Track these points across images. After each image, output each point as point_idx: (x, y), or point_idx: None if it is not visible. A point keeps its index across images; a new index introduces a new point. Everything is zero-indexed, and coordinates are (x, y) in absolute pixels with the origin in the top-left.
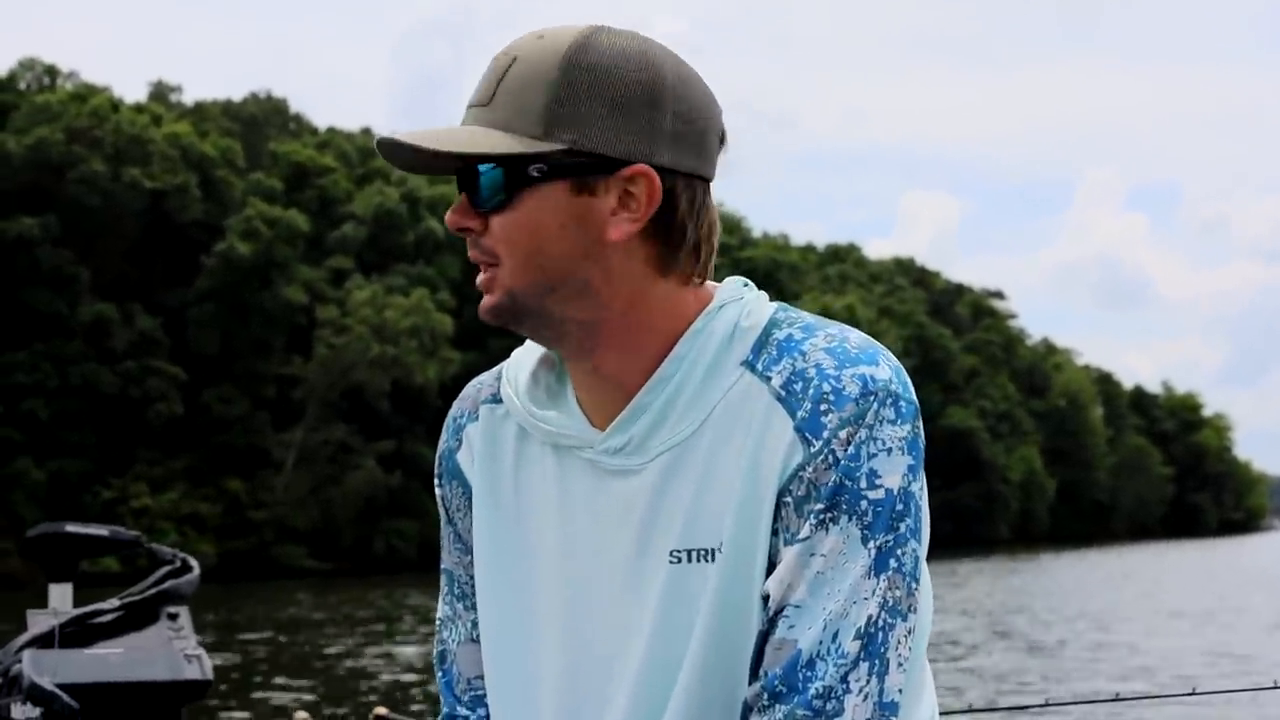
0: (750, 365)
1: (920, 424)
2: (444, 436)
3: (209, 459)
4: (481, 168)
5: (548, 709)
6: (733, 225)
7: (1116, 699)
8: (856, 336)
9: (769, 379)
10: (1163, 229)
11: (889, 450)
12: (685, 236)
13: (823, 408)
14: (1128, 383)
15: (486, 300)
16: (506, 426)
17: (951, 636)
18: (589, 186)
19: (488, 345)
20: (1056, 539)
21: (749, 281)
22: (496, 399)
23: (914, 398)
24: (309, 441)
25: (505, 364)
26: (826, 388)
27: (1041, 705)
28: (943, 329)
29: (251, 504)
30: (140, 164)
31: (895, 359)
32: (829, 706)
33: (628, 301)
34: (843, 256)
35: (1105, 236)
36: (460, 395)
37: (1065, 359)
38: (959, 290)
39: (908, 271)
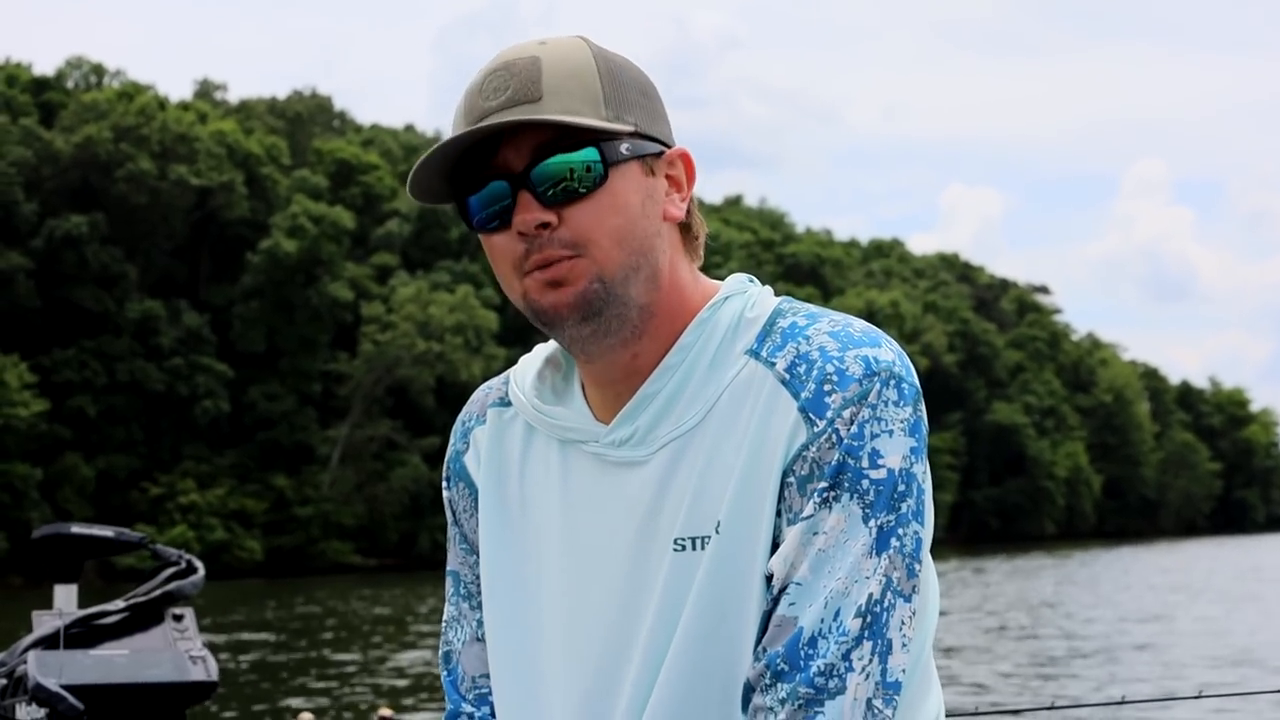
0: (755, 353)
1: (923, 408)
2: (452, 440)
3: (255, 456)
4: (573, 156)
5: (556, 701)
6: (776, 221)
7: (1122, 702)
8: (860, 323)
9: (773, 364)
10: (1209, 222)
11: (891, 431)
12: (695, 219)
13: (826, 388)
14: (1174, 377)
15: (569, 291)
16: (514, 427)
17: (981, 634)
18: (650, 167)
19: (531, 341)
20: (1103, 535)
21: (754, 278)
22: (504, 402)
23: (916, 382)
24: (354, 438)
25: (513, 369)
26: (830, 369)
27: (1047, 708)
28: (987, 324)
29: (298, 500)
30: (187, 162)
31: (898, 345)
32: (831, 684)
33: (670, 285)
34: (886, 252)
35: (1151, 230)
36: (469, 400)
37: (1111, 354)
38: (1003, 285)
39: (952, 266)
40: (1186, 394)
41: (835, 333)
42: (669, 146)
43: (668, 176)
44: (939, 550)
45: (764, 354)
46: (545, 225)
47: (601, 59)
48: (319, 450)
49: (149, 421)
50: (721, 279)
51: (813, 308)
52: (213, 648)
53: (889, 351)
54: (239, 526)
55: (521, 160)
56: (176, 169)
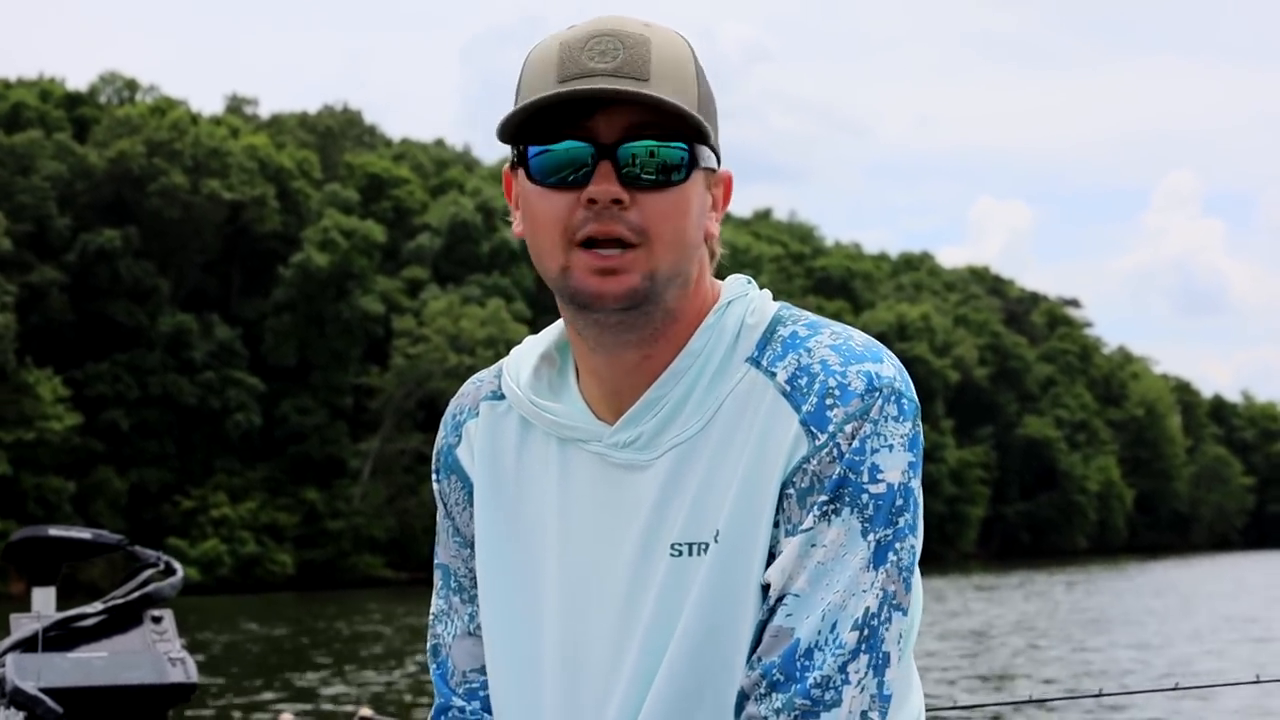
0: (755, 362)
1: (920, 423)
2: (442, 433)
3: (287, 469)
4: (670, 145)
5: (550, 697)
6: (805, 234)
7: (1100, 694)
8: (860, 335)
9: (774, 374)
10: (1240, 235)
11: (891, 446)
12: (714, 239)
13: (828, 402)
14: (1206, 391)
15: (621, 281)
16: (508, 422)
17: (993, 638)
18: (709, 180)
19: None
20: (1135, 550)
21: (752, 279)
22: (497, 395)
23: (915, 397)
24: (385, 451)
25: (504, 361)
26: (832, 383)
27: (1026, 701)
28: (1018, 338)
29: (329, 514)
30: (219, 176)
31: (897, 359)
32: (827, 696)
33: (693, 293)
34: (916, 265)
35: (1181, 243)
36: (459, 393)
37: (1142, 367)
38: (1034, 299)
39: (982, 280)
40: (1219, 408)
41: (837, 346)
42: (719, 165)
43: (712, 194)
44: (969, 565)
45: (765, 363)
46: (618, 202)
47: (698, 61)
48: (350, 464)
49: (181, 435)
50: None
51: (812, 316)
52: (224, 653)
53: (890, 367)
54: (271, 540)
55: (612, 132)
56: (208, 183)
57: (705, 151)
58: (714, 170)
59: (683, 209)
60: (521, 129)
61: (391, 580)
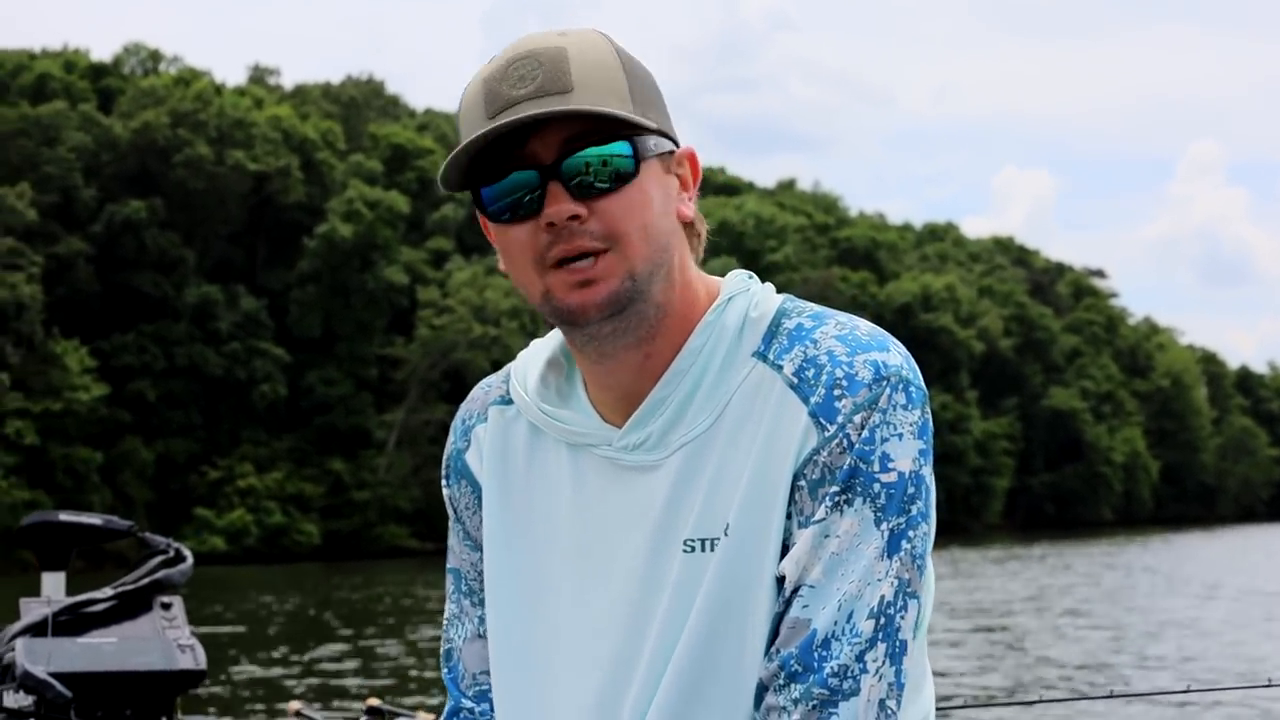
0: (762, 356)
1: (929, 410)
2: (451, 438)
3: (312, 440)
4: (605, 149)
5: (565, 701)
6: (829, 204)
7: (1110, 696)
8: (865, 325)
9: (780, 367)
10: (1265, 204)
11: (901, 435)
12: (697, 217)
13: (836, 393)
14: (1233, 362)
15: (600, 289)
16: (517, 427)
17: (1004, 624)
18: (666, 165)
19: None
20: (1160, 521)
21: (753, 274)
22: (505, 400)
23: (923, 385)
24: (411, 422)
25: (511, 366)
26: (840, 374)
27: (1035, 701)
28: (1043, 308)
29: (354, 484)
30: (243, 147)
31: (904, 347)
32: (845, 685)
33: (682, 283)
34: (940, 235)
35: (1206, 212)
36: (468, 398)
37: (1168, 338)
38: (1059, 269)
39: (1007, 250)
40: (1245, 379)
41: (843, 336)
42: (678, 145)
43: (677, 175)
44: (996, 536)
45: (771, 356)
46: (576, 218)
47: (622, 55)
48: (375, 434)
49: (207, 405)
50: (777, 264)
51: (816, 307)
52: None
53: (897, 355)
54: (296, 510)
55: (550, 152)
56: (233, 154)
57: (650, 141)
58: (671, 152)
59: (643, 203)
60: (469, 174)
61: (417, 551)
